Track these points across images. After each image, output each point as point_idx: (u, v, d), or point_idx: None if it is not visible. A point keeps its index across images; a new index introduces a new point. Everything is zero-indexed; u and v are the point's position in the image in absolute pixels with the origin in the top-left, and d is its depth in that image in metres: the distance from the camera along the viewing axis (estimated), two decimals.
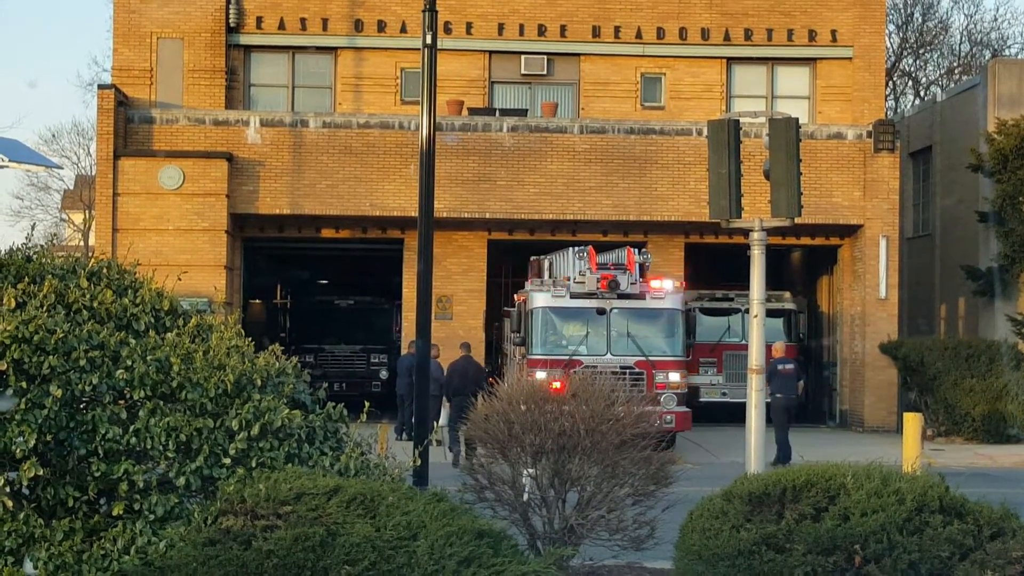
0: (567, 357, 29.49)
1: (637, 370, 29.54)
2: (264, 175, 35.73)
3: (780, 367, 29.30)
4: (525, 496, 13.56)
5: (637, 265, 30.27)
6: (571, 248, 31.16)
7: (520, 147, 36.17)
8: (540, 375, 27.91)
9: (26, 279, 12.33)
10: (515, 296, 33.86)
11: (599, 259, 30.55)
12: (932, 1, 62.83)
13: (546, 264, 32.55)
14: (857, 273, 37.65)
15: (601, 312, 29.96)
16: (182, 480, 11.43)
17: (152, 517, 11.34)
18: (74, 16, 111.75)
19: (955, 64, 63.31)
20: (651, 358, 29.84)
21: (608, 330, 29.96)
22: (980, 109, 39.76)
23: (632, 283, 29.90)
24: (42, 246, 13.15)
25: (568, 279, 30.40)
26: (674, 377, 30.03)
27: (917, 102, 60.43)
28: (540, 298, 30.30)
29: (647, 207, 36.35)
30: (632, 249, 30.73)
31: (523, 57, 38.62)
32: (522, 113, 37.59)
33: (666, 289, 30.40)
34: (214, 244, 34.94)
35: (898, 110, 58.40)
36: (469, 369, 29.34)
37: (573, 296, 30.02)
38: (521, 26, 38.30)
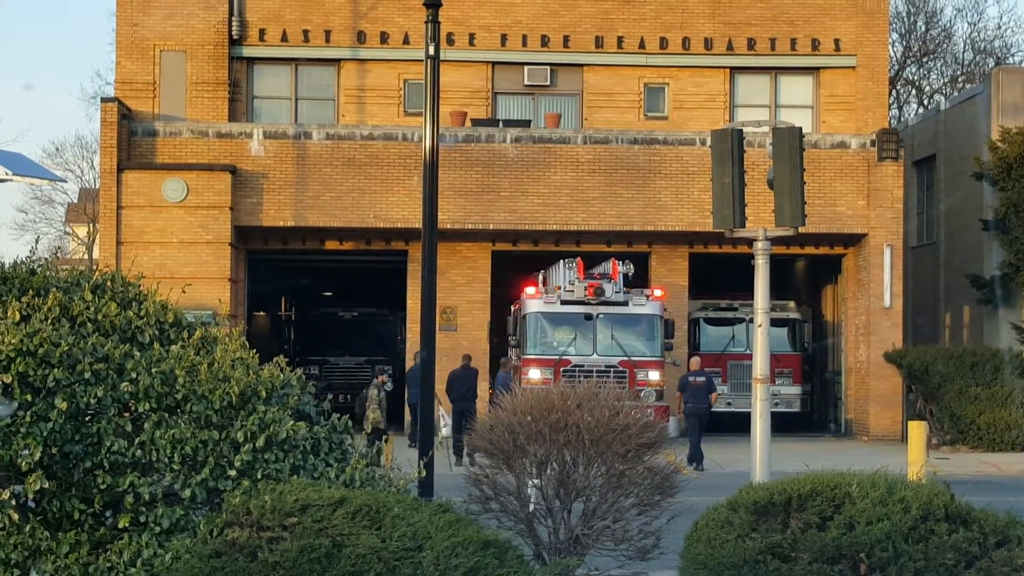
0: (557, 357, 32.71)
1: (620, 369, 32.71)
2: (268, 187, 35.76)
3: (691, 379, 31.23)
4: (531, 506, 13.55)
5: (621, 275, 33.16)
6: (562, 260, 34.06)
7: (523, 158, 36.18)
8: (534, 373, 32.25)
9: (30, 292, 12.35)
10: (512, 305, 36.00)
11: (587, 269, 33.62)
12: (935, 10, 62.79)
13: (540, 277, 35.11)
14: (861, 282, 37.64)
15: (588, 317, 33.16)
16: (187, 492, 11.46)
17: (158, 529, 11.37)
18: (77, 29, 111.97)
19: (958, 72, 63.24)
20: (633, 358, 33.01)
21: (594, 333, 33.18)
22: (983, 117, 39.72)
23: (616, 291, 33.00)
24: (46, 259, 13.18)
25: (559, 288, 33.31)
26: (653, 375, 33.21)
27: (920, 111, 60.36)
28: (533, 304, 33.48)
29: (651, 217, 36.36)
30: (616, 260, 33.44)
31: (526, 68, 38.61)
32: (525, 124, 37.60)
33: (646, 296, 33.64)
34: (218, 256, 34.98)
35: (901, 119, 58.33)
36: (467, 376, 31.54)
37: (563, 303, 33.15)
38: (524, 37, 38.30)
